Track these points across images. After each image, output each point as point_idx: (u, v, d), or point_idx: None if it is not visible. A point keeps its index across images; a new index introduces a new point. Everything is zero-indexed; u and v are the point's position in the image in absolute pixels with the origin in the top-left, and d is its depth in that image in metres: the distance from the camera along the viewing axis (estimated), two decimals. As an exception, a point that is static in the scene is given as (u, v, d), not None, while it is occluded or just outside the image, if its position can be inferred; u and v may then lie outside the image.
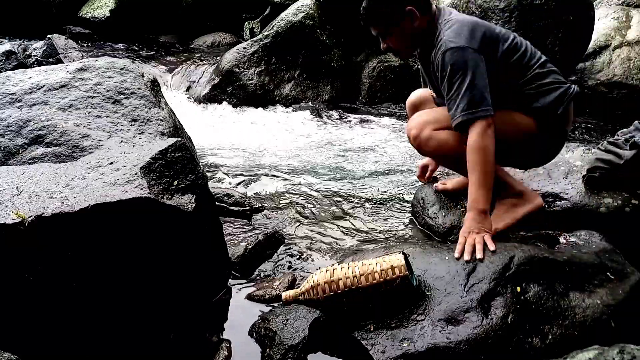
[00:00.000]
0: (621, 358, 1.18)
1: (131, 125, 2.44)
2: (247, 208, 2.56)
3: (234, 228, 2.39)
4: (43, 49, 4.65)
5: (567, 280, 1.63)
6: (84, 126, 2.35)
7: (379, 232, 2.40)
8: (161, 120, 2.50)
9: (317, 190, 2.90)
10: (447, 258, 1.70)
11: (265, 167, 3.26)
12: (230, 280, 1.95)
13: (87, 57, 4.13)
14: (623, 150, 2.05)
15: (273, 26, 4.86)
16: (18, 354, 1.29)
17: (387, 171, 3.24)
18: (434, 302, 1.57)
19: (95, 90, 2.53)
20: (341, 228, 2.45)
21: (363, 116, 4.50)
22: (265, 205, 2.67)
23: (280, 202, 2.74)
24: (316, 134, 4.07)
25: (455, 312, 1.54)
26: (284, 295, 1.74)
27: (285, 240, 2.28)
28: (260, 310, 1.77)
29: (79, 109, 2.43)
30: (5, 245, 1.37)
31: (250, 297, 1.86)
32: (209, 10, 6.69)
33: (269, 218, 2.54)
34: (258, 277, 2.01)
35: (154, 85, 2.74)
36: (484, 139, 1.77)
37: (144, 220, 1.55)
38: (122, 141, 2.31)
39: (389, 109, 4.72)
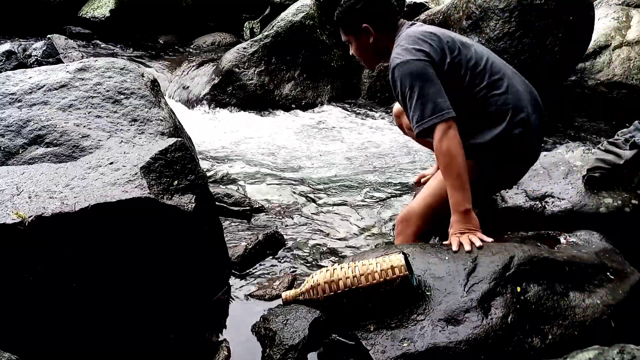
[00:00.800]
0: (621, 358, 1.18)
1: (131, 125, 2.44)
2: (247, 208, 2.57)
3: (234, 228, 2.40)
4: (43, 49, 4.65)
5: (567, 280, 1.62)
6: (84, 126, 2.35)
7: (379, 232, 2.40)
8: (161, 120, 2.50)
9: (317, 190, 2.90)
10: (446, 258, 1.69)
11: (265, 167, 3.25)
12: (230, 280, 1.95)
13: (87, 57, 4.13)
14: (623, 150, 2.05)
15: (273, 26, 4.86)
16: (18, 354, 1.29)
17: (387, 171, 3.24)
18: (434, 302, 1.57)
19: (95, 90, 2.53)
20: (341, 228, 2.45)
21: (363, 116, 4.49)
22: (265, 205, 2.67)
23: (280, 202, 2.74)
24: (316, 134, 4.07)
25: (455, 312, 1.54)
26: (284, 295, 1.74)
27: (285, 241, 2.28)
28: (261, 310, 1.77)
29: (79, 109, 2.43)
30: (5, 245, 1.37)
31: (250, 297, 1.86)
32: (209, 10, 6.68)
33: (269, 218, 2.55)
34: (258, 277, 2.01)
35: (154, 85, 2.74)
36: (444, 142, 1.77)
37: (144, 220, 1.55)
38: (122, 141, 2.31)
39: (389, 109, 4.72)
